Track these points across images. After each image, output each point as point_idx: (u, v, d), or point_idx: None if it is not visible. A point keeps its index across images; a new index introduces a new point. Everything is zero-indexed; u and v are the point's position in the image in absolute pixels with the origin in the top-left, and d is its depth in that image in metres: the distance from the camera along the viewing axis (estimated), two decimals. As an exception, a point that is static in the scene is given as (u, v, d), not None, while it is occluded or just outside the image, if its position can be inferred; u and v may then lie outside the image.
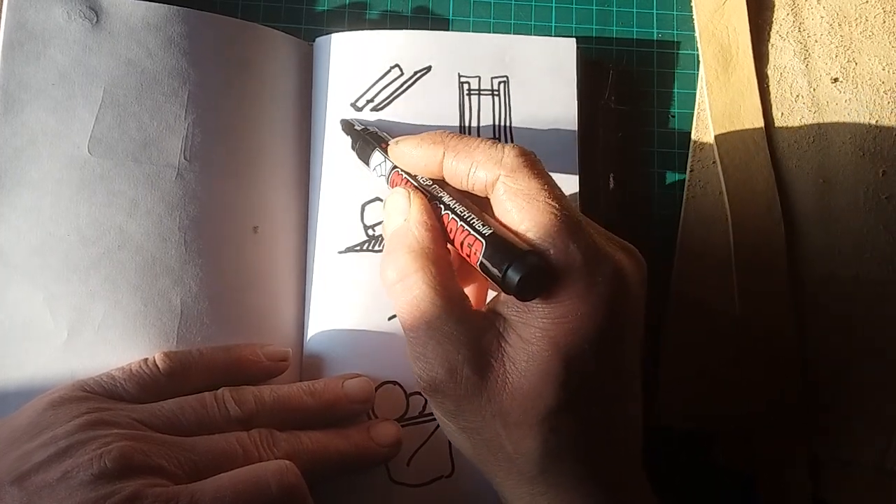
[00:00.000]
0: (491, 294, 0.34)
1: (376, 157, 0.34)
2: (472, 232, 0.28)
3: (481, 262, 0.27)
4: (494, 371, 0.27)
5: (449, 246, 0.30)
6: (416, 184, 0.32)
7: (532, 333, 0.27)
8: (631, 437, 0.29)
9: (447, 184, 0.31)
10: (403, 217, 0.30)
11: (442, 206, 0.30)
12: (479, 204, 0.30)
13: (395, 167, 0.33)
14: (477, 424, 0.28)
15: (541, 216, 0.27)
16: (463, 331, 0.28)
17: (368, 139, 0.35)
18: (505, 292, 0.27)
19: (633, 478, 0.29)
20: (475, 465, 0.30)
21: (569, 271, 0.27)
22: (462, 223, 0.29)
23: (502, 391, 0.27)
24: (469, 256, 0.28)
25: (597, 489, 0.28)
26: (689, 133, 0.42)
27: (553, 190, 0.28)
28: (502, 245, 0.27)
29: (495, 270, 0.27)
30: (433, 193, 0.31)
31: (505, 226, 0.28)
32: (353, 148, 0.36)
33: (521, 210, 0.27)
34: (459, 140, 0.30)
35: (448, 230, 0.30)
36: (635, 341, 0.29)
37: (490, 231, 0.27)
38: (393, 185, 0.33)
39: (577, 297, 0.26)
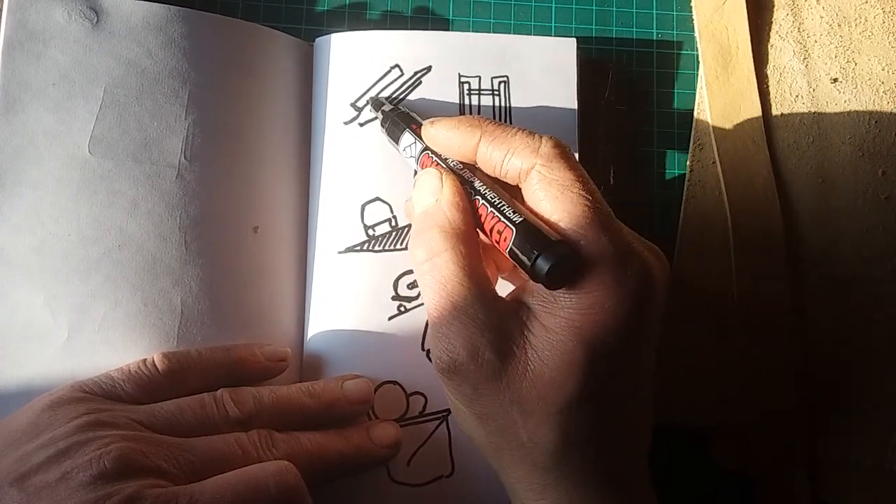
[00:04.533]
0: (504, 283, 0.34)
1: (407, 137, 0.34)
2: (503, 218, 0.28)
3: (511, 249, 0.28)
4: (516, 357, 0.27)
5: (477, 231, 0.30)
6: (447, 166, 0.32)
7: (556, 322, 0.27)
8: (641, 434, 0.30)
9: (478, 169, 0.31)
10: (434, 197, 0.30)
11: (472, 190, 0.30)
12: (509, 192, 0.30)
13: (426, 149, 0.33)
14: (493, 410, 0.28)
15: (574, 207, 0.27)
16: (488, 314, 0.28)
17: (399, 119, 0.35)
18: (533, 280, 0.27)
19: (639, 474, 0.29)
20: (485, 454, 0.30)
21: (599, 263, 0.27)
22: (493, 209, 0.29)
23: (522, 378, 0.27)
24: (498, 243, 0.28)
25: (606, 482, 0.28)
26: (689, 133, 0.42)
27: (587, 183, 0.28)
28: (533, 233, 0.27)
29: (525, 258, 0.27)
30: (464, 177, 0.31)
31: (536, 214, 0.28)
32: (382, 126, 0.36)
33: (555, 199, 0.28)
34: (496, 126, 0.30)
35: (478, 215, 0.30)
36: (654, 340, 0.29)
37: (521, 219, 0.28)
38: (423, 166, 0.33)
39: (605, 289, 0.27)
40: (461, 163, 0.32)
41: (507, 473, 0.29)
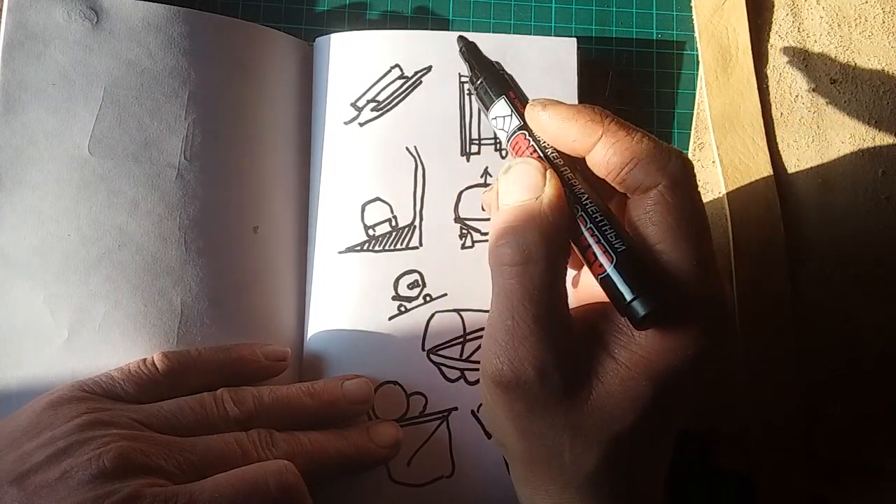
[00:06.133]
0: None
1: (502, 106, 0.29)
2: (603, 240, 0.26)
3: (606, 277, 0.25)
4: (581, 384, 0.26)
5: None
6: (548, 159, 0.28)
7: (629, 358, 0.26)
8: (667, 458, 0.29)
9: (576, 166, 0.28)
10: (533, 194, 0.26)
11: (573, 197, 0.27)
12: (602, 189, 0.27)
13: (523, 128, 0.29)
14: (543, 431, 0.27)
15: (686, 244, 0.25)
16: (563, 336, 0.26)
17: (497, 80, 0.30)
18: (621, 314, 0.26)
19: (658, 494, 0.29)
20: (514, 463, 0.29)
21: (695, 313, 0.25)
22: (592, 224, 0.26)
23: (583, 405, 0.26)
24: (591, 263, 0.26)
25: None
26: (689, 133, 0.42)
27: (704, 217, 0.26)
28: (636, 268, 0.25)
29: (621, 292, 0.25)
30: (565, 178, 0.27)
31: (639, 235, 0.26)
32: (471, 82, 0.31)
33: (668, 230, 0.25)
34: (620, 126, 0.27)
35: (575, 225, 0.27)
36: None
37: (624, 248, 0.25)
38: (515, 148, 0.29)
39: (692, 337, 0.25)
40: (559, 155, 0.28)
41: (532, 485, 0.28)
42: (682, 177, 0.26)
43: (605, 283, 0.26)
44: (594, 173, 0.27)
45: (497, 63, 0.31)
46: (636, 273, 0.25)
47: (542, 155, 0.28)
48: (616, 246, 0.25)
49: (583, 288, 0.31)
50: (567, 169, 0.28)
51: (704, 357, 0.26)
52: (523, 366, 0.26)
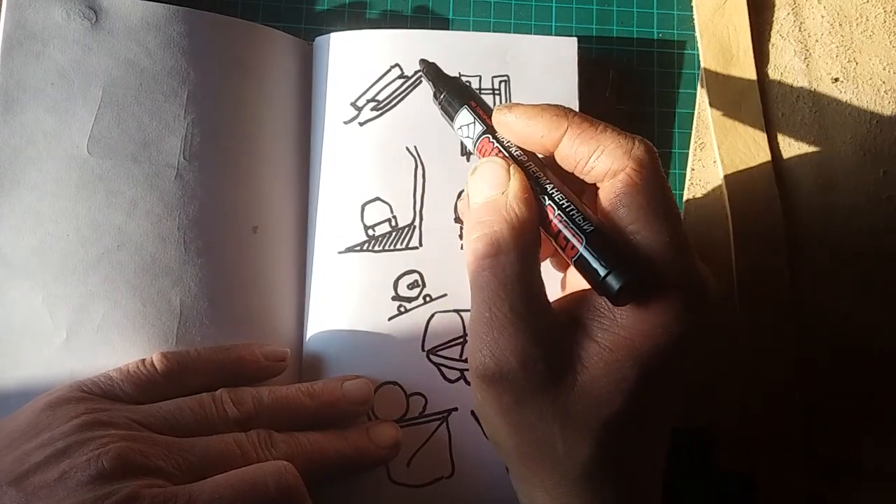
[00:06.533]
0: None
1: (464, 115, 0.31)
2: (571, 224, 0.26)
3: (579, 257, 0.26)
4: (566, 370, 0.26)
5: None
6: (512, 157, 0.29)
7: (612, 340, 0.26)
8: (663, 448, 0.29)
9: (542, 162, 0.29)
10: (499, 190, 0.28)
11: (539, 187, 0.28)
12: (574, 188, 0.28)
13: (486, 132, 0.30)
14: (532, 421, 0.27)
15: (656, 221, 0.26)
16: (542, 324, 0.26)
17: (457, 93, 0.31)
18: (599, 293, 0.26)
19: (656, 485, 0.29)
20: (509, 461, 0.29)
21: (671, 286, 0.26)
22: (560, 211, 0.27)
23: (570, 391, 0.26)
24: (563, 248, 0.27)
25: (631, 496, 0.28)
26: (689, 133, 0.42)
27: (671, 196, 0.27)
28: (606, 245, 0.26)
29: (594, 270, 0.25)
30: (530, 171, 0.28)
31: (610, 220, 0.27)
32: (435, 98, 0.32)
33: (638, 209, 0.26)
34: (584, 119, 0.28)
35: (543, 214, 0.28)
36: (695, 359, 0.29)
37: (592, 227, 0.26)
38: (482, 151, 0.30)
39: (672, 313, 0.26)
40: (524, 153, 0.29)
41: (530, 482, 0.28)
42: (648, 159, 0.27)
43: (580, 264, 0.26)
44: (562, 169, 0.29)
45: (457, 77, 0.32)
46: (607, 248, 0.26)
47: (506, 154, 0.29)
48: (584, 227, 0.26)
49: (570, 288, 0.31)
50: (532, 164, 0.29)
51: (688, 337, 0.26)
52: (504, 356, 0.26)
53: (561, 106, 0.28)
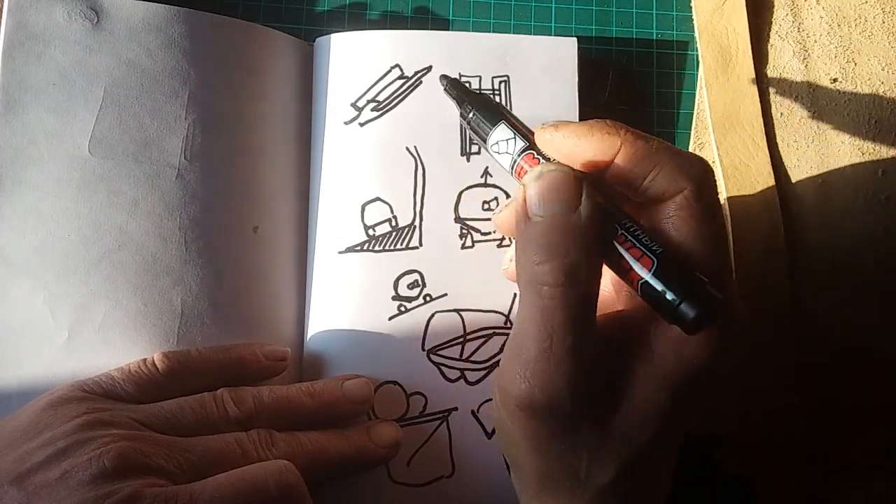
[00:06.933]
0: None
1: (502, 130, 0.28)
2: (638, 244, 0.24)
3: (646, 283, 0.24)
4: (607, 405, 0.26)
5: None
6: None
7: (651, 371, 0.26)
8: (674, 461, 0.29)
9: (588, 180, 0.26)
10: (570, 207, 0.24)
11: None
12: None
13: (528, 147, 0.27)
14: (563, 448, 0.26)
15: (709, 248, 0.25)
16: (592, 357, 0.25)
17: (490, 107, 0.29)
18: (669, 321, 0.24)
19: (665, 495, 0.29)
20: (523, 476, 0.28)
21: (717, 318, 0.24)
22: (623, 231, 0.25)
23: (607, 424, 0.26)
24: (626, 272, 0.25)
25: None
26: (689, 134, 0.42)
27: (723, 219, 0.26)
28: (678, 270, 0.24)
29: (668, 296, 0.24)
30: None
31: (668, 244, 0.25)
32: (463, 117, 0.30)
33: (693, 234, 0.25)
34: (637, 136, 0.26)
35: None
36: None
37: (661, 249, 0.24)
38: (522, 171, 0.27)
39: (711, 346, 0.25)
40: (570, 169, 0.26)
41: (540, 499, 0.28)
42: (706, 180, 0.25)
43: (646, 289, 0.24)
44: (604, 185, 0.27)
45: (483, 92, 0.30)
46: (680, 274, 0.24)
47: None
48: (654, 249, 0.24)
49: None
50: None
51: (717, 363, 0.25)
52: (557, 390, 0.24)
53: (610, 122, 0.26)
